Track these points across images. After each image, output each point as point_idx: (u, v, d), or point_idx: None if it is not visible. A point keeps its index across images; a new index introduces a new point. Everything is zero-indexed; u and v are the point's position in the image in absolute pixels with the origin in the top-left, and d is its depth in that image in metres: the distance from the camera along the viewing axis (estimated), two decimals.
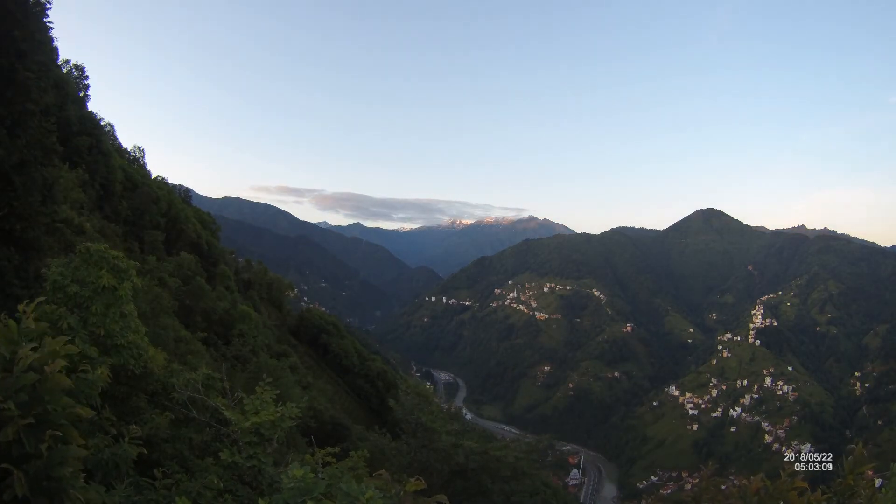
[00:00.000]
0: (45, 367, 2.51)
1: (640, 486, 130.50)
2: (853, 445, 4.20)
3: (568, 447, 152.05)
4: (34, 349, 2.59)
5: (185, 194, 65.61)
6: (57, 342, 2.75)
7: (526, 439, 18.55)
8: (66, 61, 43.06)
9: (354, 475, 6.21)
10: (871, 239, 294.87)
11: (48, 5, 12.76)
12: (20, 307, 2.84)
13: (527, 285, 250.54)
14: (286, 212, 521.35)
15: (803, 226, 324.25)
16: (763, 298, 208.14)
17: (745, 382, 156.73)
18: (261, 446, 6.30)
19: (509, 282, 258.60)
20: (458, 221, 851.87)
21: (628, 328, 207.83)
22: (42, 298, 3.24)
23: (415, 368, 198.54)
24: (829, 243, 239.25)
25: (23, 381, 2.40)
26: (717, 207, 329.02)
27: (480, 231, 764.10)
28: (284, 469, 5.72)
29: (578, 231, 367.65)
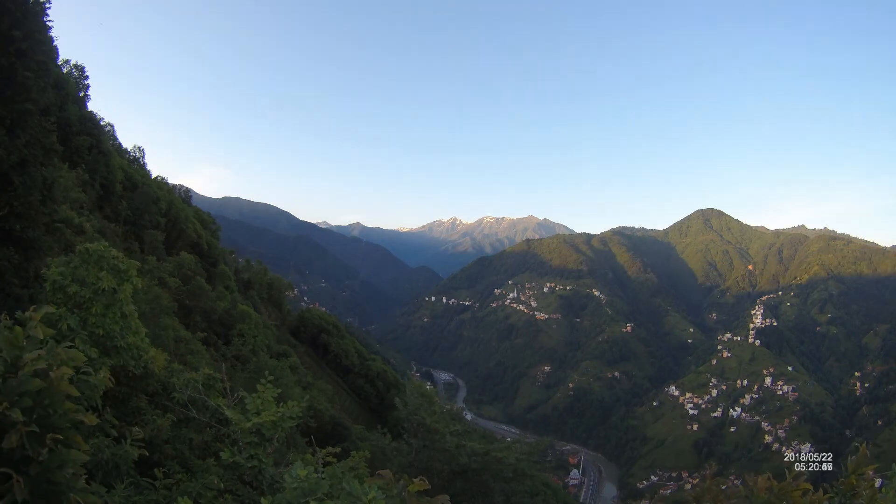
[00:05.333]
0: (51, 374, 2.50)
1: (640, 486, 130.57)
2: (856, 445, 4.18)
3: (568, 447, 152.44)
4: (40, 355, 2.58)
5: (185, 194, 65.55)
6: (63, 350, 2.74)
7: (527, 440, 18.56)
8: (66, 61, 43.06)
9: (356, 475, 6.19)
10: (871, 239, 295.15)
11: (48, 4, 12.73)
12: (27, 312, 2.82)
13: (527, 285, 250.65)
14: (286, 212, 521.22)
15: (803, 226, 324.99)
16: (763, 298, 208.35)
17: (745, 382, 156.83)
18: (261, 446, 6.29)
19: (509, 282, 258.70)
20: (458, 221, 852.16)
21: (628, 328, 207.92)
22: (50, 309, 3.21)
23: (415, 368, 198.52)
24: (829, 243, 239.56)
25: (27, 386, 2.39)
26: (717, 207, 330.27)
27: (480, 231, 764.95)
28: (285, 469, 5.71)
29: (578, 231, 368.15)
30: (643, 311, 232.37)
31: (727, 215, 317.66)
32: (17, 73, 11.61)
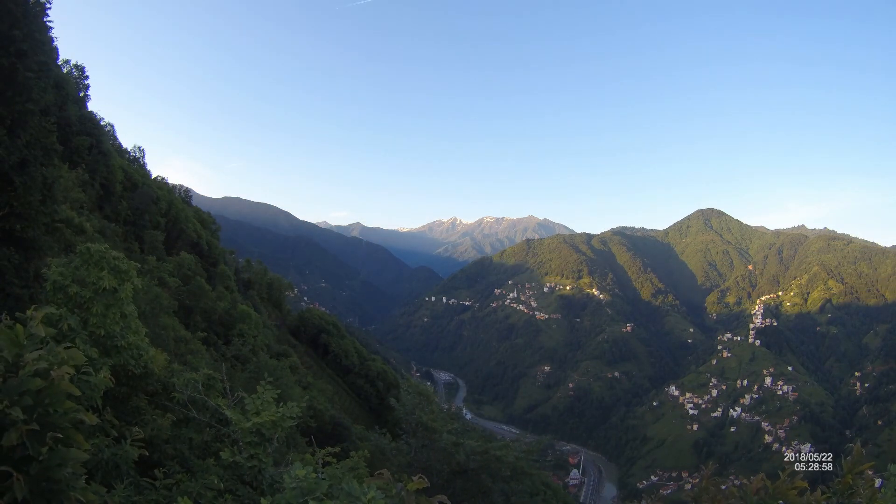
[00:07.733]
0: (52, 373, 2.51)
1: (640, 486, 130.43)
2: (852, 445, 4.20)
3: (568, 447, 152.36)
4: (40, 355, 2.59)
5: (185, 194, 65.47)
6: (63, 350, 2.75)
7: (526, 439, 18.57)
8: (66, 61, 43.05)
9: (355, 475, 6.21)
10: (871, 239, 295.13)
11: (48, 5, 12.75)
12: (28, 312, 2.83)
13: (527, 285, 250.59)
14: (286, 212, 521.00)
15: (803, 226, 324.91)
16: (763, 298, 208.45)
17: (745, 382, 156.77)
18: (261, 446, 6.30)
19: (509, 282, 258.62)
20: (458, 221, 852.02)
21: (628, 328, 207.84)
22: (50, 309, 3.24)
23: (415, 368, 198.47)
24: (829, 243, 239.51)
25: (28, 385, 2.41)
26: (717, 207, 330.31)
27: (480, 231, 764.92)
28: (285, 469, 5.73)
29: (578, 231, 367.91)
30: (643, 311, 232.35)
31: (727, 215, 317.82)
32: (17, 74, 11.62)
